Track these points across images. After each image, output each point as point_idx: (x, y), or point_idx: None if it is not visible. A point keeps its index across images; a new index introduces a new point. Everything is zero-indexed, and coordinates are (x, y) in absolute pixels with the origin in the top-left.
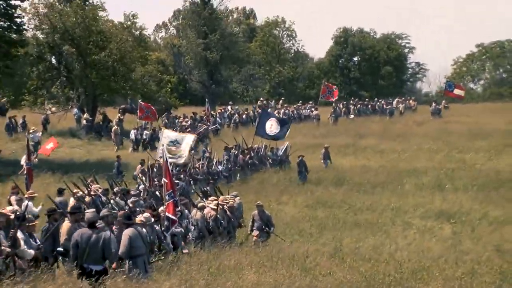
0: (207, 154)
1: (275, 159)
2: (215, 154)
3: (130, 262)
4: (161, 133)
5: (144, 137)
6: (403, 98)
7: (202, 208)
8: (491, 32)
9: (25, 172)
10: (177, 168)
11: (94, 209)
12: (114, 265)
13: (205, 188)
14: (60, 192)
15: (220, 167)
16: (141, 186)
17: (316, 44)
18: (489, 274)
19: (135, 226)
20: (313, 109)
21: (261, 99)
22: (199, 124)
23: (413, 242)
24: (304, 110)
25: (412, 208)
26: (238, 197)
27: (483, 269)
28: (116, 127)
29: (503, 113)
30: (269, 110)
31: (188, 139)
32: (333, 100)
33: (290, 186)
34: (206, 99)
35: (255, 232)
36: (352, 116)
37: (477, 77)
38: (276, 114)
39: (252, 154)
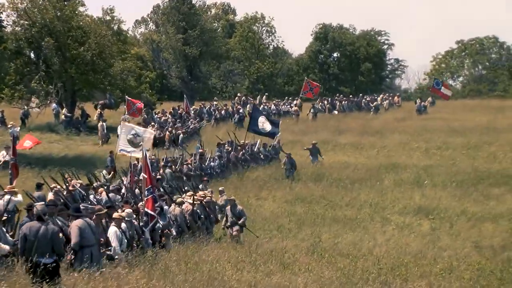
0: (200, 150)
1: (267, 155)
2: (206, 151)
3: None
4: (120, 127)
5: None
6: (387, 95)
7: (180, 204)
8: (470, 29)
9: (9, 167)
10: (169, 164)
11: (43, 202)
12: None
13: (200, 186)
14: (39, 186)
15: (212, 163)
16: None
17: (295, 40)
18: (467, 270)
19: (83, 218)
20: (292, 104)
21: (239, 94)
22: (186, 120)
23: (392, 238)
24: (283, 106)
25: (391, 204)
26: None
27: (461, 265)
28: (102, 123)
29: (481, 110)
30: (248, 105)
31: (149, 134)
32: (313, 97)
33: (269, 182)
34: (185, 95)
35: (236, 228)
36: (335, 112)
37: (456, 73)
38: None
39: (244, 150)
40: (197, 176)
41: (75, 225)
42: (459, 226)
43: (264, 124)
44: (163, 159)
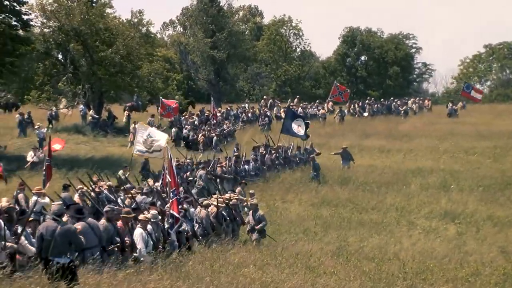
0: (236, 153)
1: (302, 158)
2: (244, 153)
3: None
4: (137, 127)
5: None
6: (417, 98)
7: (207, 206)
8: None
9: (43, 168)
10: (201, 165)
11: (60, 202)
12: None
13: (238, 188)
14: (65, 188)
15: (247, 166)
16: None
17: (323, 43)
18: (493, 275)
19: (86, 220)
20: (320, 107)
21: (265, 97)
22: (218, 122)
23: (418, 242)
24: (310, 109)
25: (417, 208)
26: (255, 197)
27: (487, 270)
28: (135, 125)
29: (509, 115)
30: (275, 108)
31: (163, 136)
32: (342, 101)
33: (295, 185)
34: (212, 98)
35: (254, 235)
36: (366, 114)
37: (484, 78)
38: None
39: (278, 154)
40: (232, 179)
41: (77, 227)
42: (485, 231)
43: (299, 127)
44: (198, 162)
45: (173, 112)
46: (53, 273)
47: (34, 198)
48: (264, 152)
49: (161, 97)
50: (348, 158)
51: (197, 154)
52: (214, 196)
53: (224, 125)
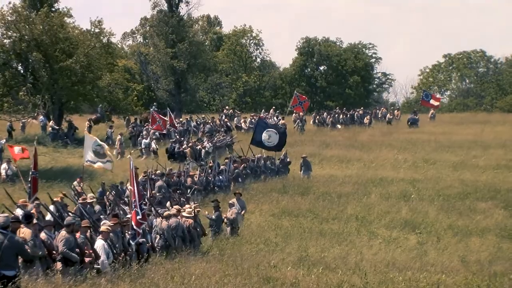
0: (210, 164)
1: (273, 169)
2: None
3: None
4: (86, 138)
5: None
6: (382, 108)
7: (168, 217)
8: (457, 43)
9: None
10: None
11: (7, 214)
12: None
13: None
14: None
15: (221, 177)
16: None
17: (284, 53)
18: (454, 285)
19: (30, 227)
20: (280, 118)
21: (227, 107)
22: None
23: (379, 252)
24: (270, 119)
25: (377, 218)
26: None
27: (448, 280)
28: (120, 136)
29: (468, 124)
30: (235, 118)
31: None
32: (303, 112)
33: (256, 195)
34: (168, 108)
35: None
36: (339, 126)
37: (444, 87)
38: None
39: (245, 164)
40: (202, 190)
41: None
42: (446, 241)
43: (270, 137)
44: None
45: (163, 126)
46: None
47: (18, 211)
48: (229, 162)
49: (151, 110)
50: (308, 168)
51: (181, 164)
52: (175, 207)
53: (216, 136)
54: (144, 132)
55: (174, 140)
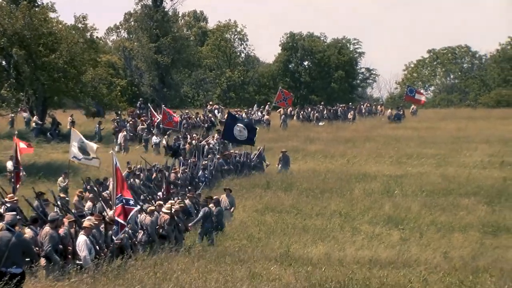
0: (193, 160)
1: (249, 164)
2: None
3: None
4: (71, 134)
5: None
6: (366, 104)
7: (151, 213)
8: (442, 38)
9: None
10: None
11: (14, 212)
12: None
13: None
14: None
15: (205, 172)
16: None
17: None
18: (437, 281)
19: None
20: (264, 113)
21: (210, 103)
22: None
23: (362, 248)
24: (254, 115)
25: (360, 214)
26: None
27: (431, 276)
28: (125, 133)
29: (452, 119)
30: (219, 114)
31: (93, 146)
32: (286, 107)
33: (239, 191)
34: (149, 104)
35: None
36: (322, 123)
37: (428, 83)
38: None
39: (229, 160)
40: (184, 185)
41: None
42: (429, 236)
43: (241, 132)
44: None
45: (174, 122)
46: (6, 283)
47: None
48: (210, 157)
49: (163, 106)
50: (287, 163)
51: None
52: (159, 202)
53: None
54: (155, 130)
55: (176, 137)
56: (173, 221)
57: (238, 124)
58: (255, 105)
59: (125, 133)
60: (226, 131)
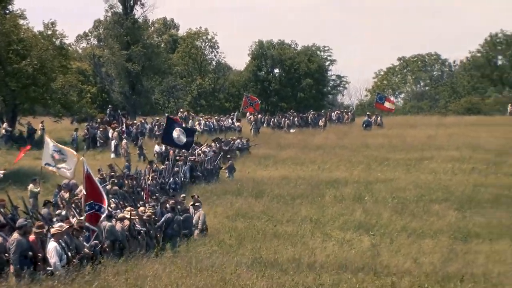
0: (163, 167)
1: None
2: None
3: None
4: (45, 141)
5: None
6: (336, 111)
7: (122, 219)
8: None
9: None
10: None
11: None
12: None
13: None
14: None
15: (177, 179)
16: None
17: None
18: (407, 287)
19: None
20: (235, 120)
21: (181, 110)
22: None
23: (332, 254)
24: (225, 122)
25: (331, 220)
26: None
27: (401, 282)
28: (126, 140)
29: (422, 126)
30: (190, 121)
31: (72, 156)
32: (255, 112)
33: (210, 197)
34: (119, 111)
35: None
36: (293, 130)
37: (398, 90)
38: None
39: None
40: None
41: None
42: (399, 242)
43: (179, 136)
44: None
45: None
46: None
47: None
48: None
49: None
50: (232, 170)
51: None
52: (128, 208)
53: (232, 141)
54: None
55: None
56: (133, 228)
57: (177, 129)
58: (228, 114)
59: (125, 141)
60: (165, 134)
